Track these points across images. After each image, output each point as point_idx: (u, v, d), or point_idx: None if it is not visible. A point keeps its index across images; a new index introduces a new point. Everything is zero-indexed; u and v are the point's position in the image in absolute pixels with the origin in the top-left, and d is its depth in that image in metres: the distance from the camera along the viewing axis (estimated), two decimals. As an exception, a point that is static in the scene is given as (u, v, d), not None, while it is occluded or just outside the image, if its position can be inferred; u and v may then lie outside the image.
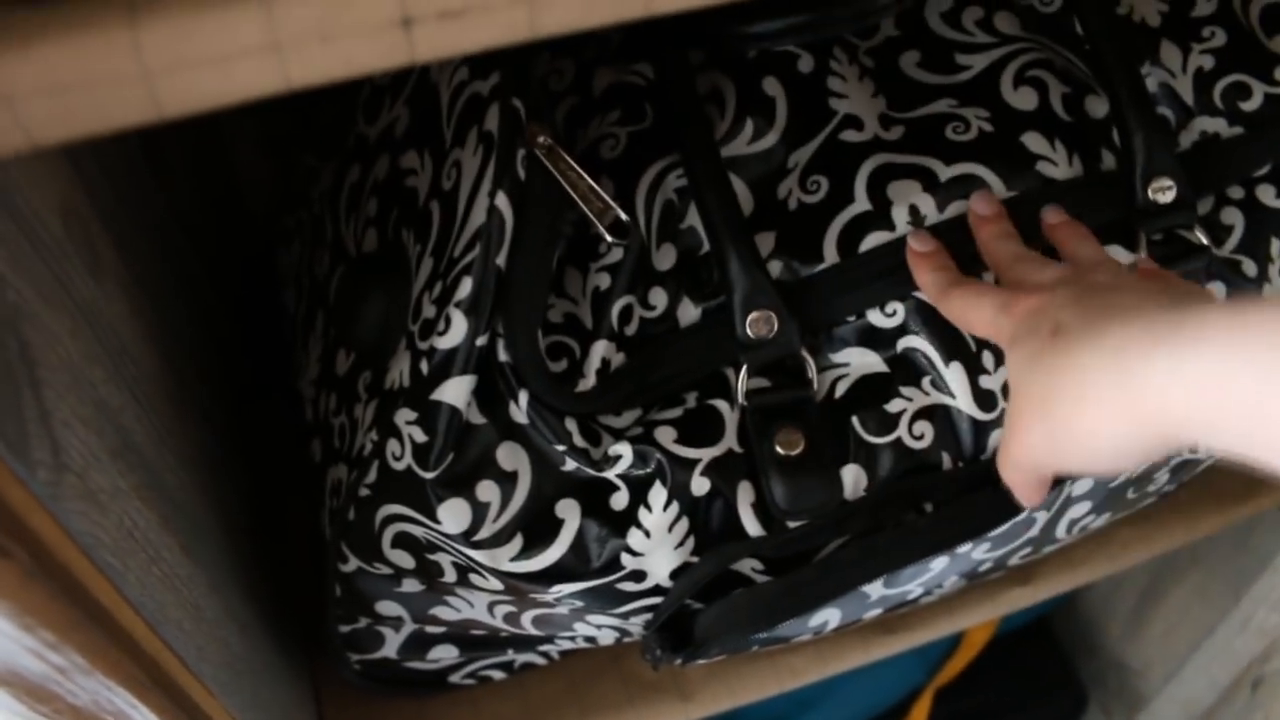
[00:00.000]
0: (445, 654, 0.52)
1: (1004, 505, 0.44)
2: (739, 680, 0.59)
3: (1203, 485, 0.65)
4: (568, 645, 0.53)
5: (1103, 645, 0.98)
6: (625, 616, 0.46)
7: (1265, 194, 0.49)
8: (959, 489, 0.46)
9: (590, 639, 0.51)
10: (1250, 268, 0.49)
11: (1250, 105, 0.48)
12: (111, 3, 0.24)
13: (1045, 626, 0.98)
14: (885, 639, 0.61)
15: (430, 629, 0.50)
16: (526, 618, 0.48)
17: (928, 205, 0.45)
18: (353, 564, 0.46)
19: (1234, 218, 0.49)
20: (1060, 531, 0.52)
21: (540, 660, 0.55)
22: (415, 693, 0.56)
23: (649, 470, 0.43)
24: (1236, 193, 0.49)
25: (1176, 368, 0.31)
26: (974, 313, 0.42)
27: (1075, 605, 1.00)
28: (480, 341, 0.40)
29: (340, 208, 0.51)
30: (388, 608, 0.48)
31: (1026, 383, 0.38)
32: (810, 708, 0.83)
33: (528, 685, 0.57)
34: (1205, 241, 0.47)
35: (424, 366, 0.41)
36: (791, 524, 0.44)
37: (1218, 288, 0.48)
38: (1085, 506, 0.51)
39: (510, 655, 0.54)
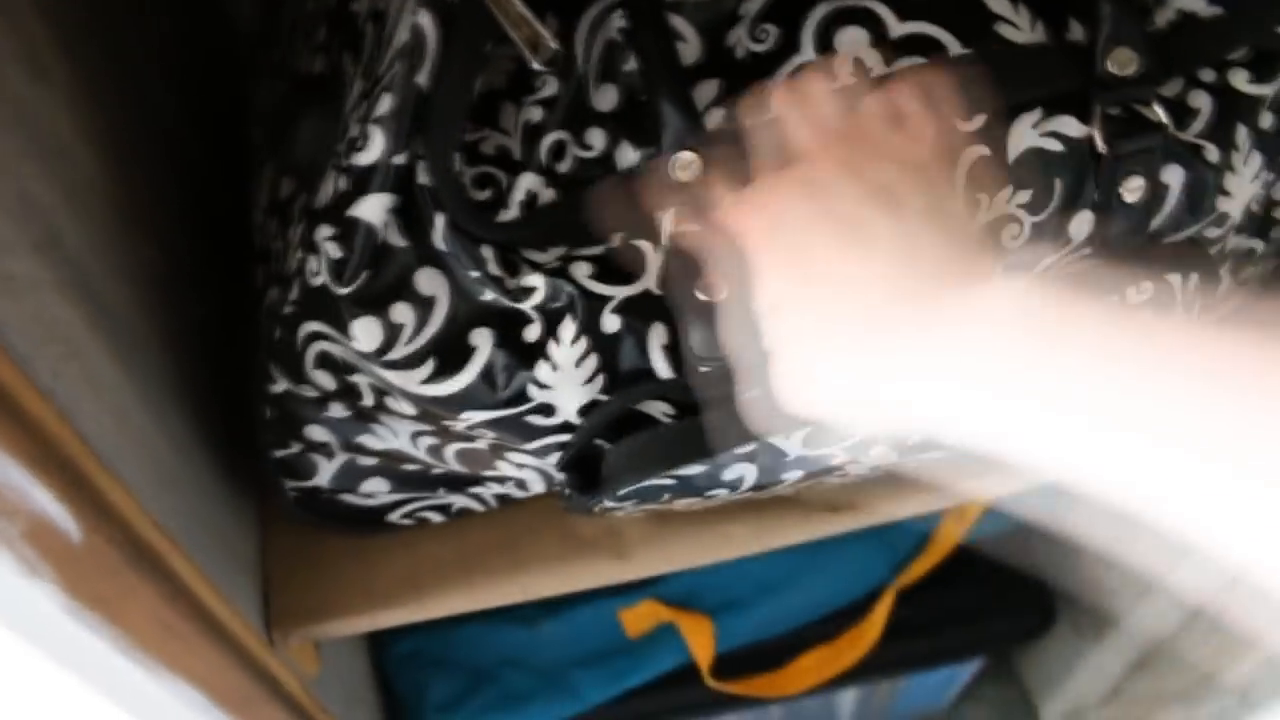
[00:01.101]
0: (378, 488, 0.53)
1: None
2: (677, 544, 0.59)
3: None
4: (498, 489, 0.53)
5: (1080, 562, 0.97)
6: (540, 454, 0.47)
7: (1238, 78, 0.47)
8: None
9: (520, 483, 0.52)
10: (1213, 153, 0.47)
11: (1230, -17, 0.46)
12: None
13: (1023, 539, 0.98)
14: (829, 517, 0.60)
15: (361, 460, 0.51)
16: (449, 451, 0.48)
17: (874, 59, 0.44)
18: (281, 385, 0.47)
19: (1202, 101, 0.47)
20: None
21: (475, 505, 0.56)
22: (355, 529, 0.57)
23: (561, 304, 0.43)
24: (1208, 75, 0.47)
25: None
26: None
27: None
28: (399, 160, 0.40)
29: (298, 36, 0.51)
30: (316, 432, 0.49)
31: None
32: (770, 592, 0.84)
33: (466, 531, 0.58)
34: (1163, 120, 0.45)
35: (343, 183, 0.41)
36: (703, 369, 0.44)
37: (1174, 171, 0.47)
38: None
39: (444, 497, 0.55)
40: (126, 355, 0.47)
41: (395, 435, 0.48)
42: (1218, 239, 0.51)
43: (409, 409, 0.45)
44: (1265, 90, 0.47)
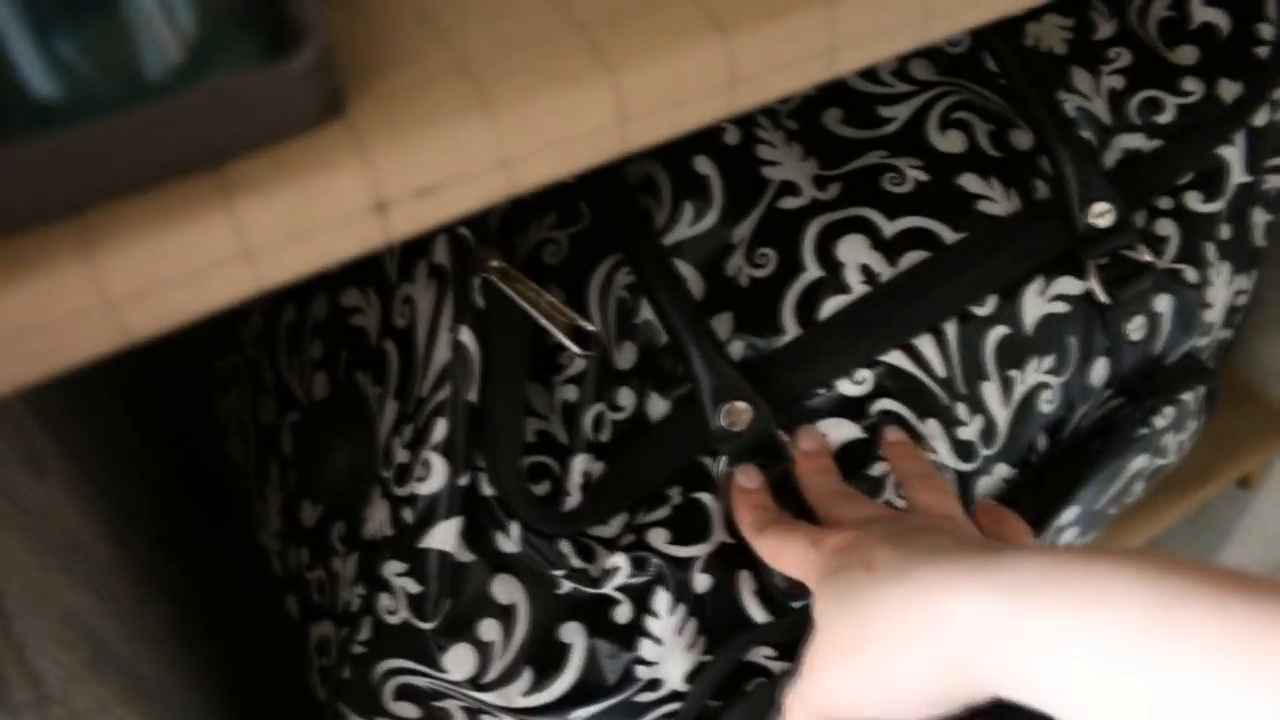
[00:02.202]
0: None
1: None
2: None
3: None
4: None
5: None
6: (645, 728, 0.45)
7: (1192, 200, 0.50)
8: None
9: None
10: (1191, 275, 0.50)
11: (1164, 118, 0.49)
12: (62, 236, 0.22)
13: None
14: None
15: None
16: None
17: (879, 263, 0.45)
18: (352, 721, 0.44)
19: (1168, 228, 0.50)
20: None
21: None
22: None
23: (649, 577, 0.41)
24: (1166, 203, 0.50)
25: (980, 616, 0.30)
26: (786, 550, 0.39)
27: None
28: (462, 481, 0.39)
29: (279, 350, 0.49)
30: (396, 760, 0.46)
31: (834, 620, 0.35)
32: None
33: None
34: (1150, 258, 0.47)
35: (407, 515, 0.39)
36: (796, 604, 0.43)
37: (1164, 300, 0.49)
38: (1074, 532, 0.51)
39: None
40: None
41: (487, 746, 0.46)
42: (1205, 345, 0.53)
43: (510, 721, 0.43)
44: (1217, 206, 0.50)
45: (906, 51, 0.29)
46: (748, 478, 0.43)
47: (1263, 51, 0.49)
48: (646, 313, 0.44)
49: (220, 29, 0.23)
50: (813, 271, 0.45)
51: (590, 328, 0.41)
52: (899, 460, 0.43)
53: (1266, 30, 0.50)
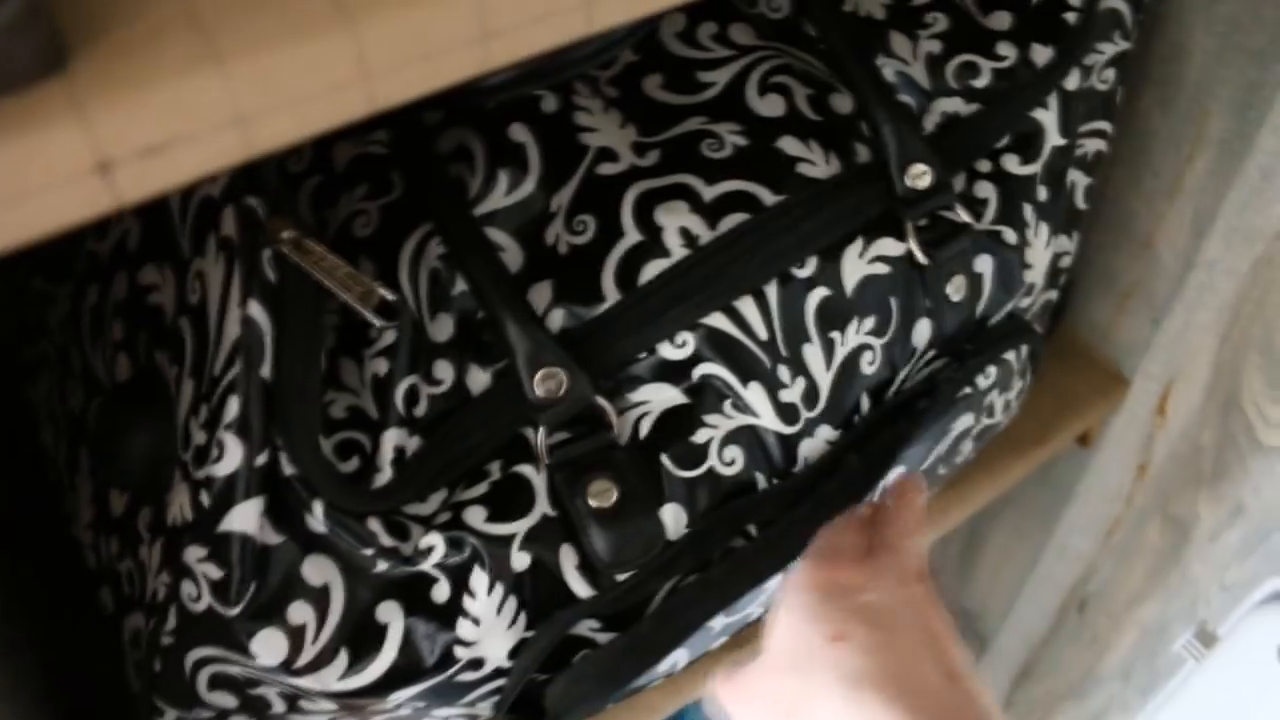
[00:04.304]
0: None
1: (824, 515, 0.44)
2: (601, 727, 0.58)
3: (1002, 436, 0.67)
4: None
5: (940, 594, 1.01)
6: (471, 704, 0.44)
7: (1010, 163, 0.51)
8: (778, 506, 0.46)
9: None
10: (1010, 236, 0.50)
11: (981, 82, 0.50)
12: None
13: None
14: (735, 653, 0.60)
15: (268, 760, 0.47)
16: (369, 727, 0.45)
17: (699, 225, 0.44)
18: (170, 715, 0.43)
19: (987, 190, 0.50)
20: (883, 518, 0.53)
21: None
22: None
23: (465, 556, 0.41)
24: (984, 166, 0.51)
25: None
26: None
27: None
28: (260, 461, 0.37)
29: (84, 333, 0.47)
30: (218, 751, 0.45)
31: (785, 659, 0.40)
32: None
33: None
34: (968, 219, 0.48)
35: (204, 498, 0.38)
36: (620, 577, 0.43)
37: (984, 260, 0.50)
38: (902, 491, 0.52)
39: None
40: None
41: (310, 732, 0.44)
42: (1029, 306, 0.54)
43: (328, 705, 0.41)
44: (1034, 169, 0.51)
45: (672, 7, 0.28)
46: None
47: (1071, 17, 0.50)
48: (462, 284, 0.43)
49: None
50: (632, 236, 0.44)
51: (390, 297, 0.40)
52: (904, 508, 0.45)
53: (1074, -5, 0.50)
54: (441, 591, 0.41)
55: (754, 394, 0.45)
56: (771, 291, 0.45)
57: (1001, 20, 0.51)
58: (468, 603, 0.41)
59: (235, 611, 0.38)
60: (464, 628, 0.41)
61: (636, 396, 0.44)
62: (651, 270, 0.44)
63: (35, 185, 0.22)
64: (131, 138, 0.23)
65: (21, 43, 0.22)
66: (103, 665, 0.49)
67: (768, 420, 0.45)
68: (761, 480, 0.46)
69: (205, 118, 0.23)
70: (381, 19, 0.24)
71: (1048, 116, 0.51)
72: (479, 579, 0.41)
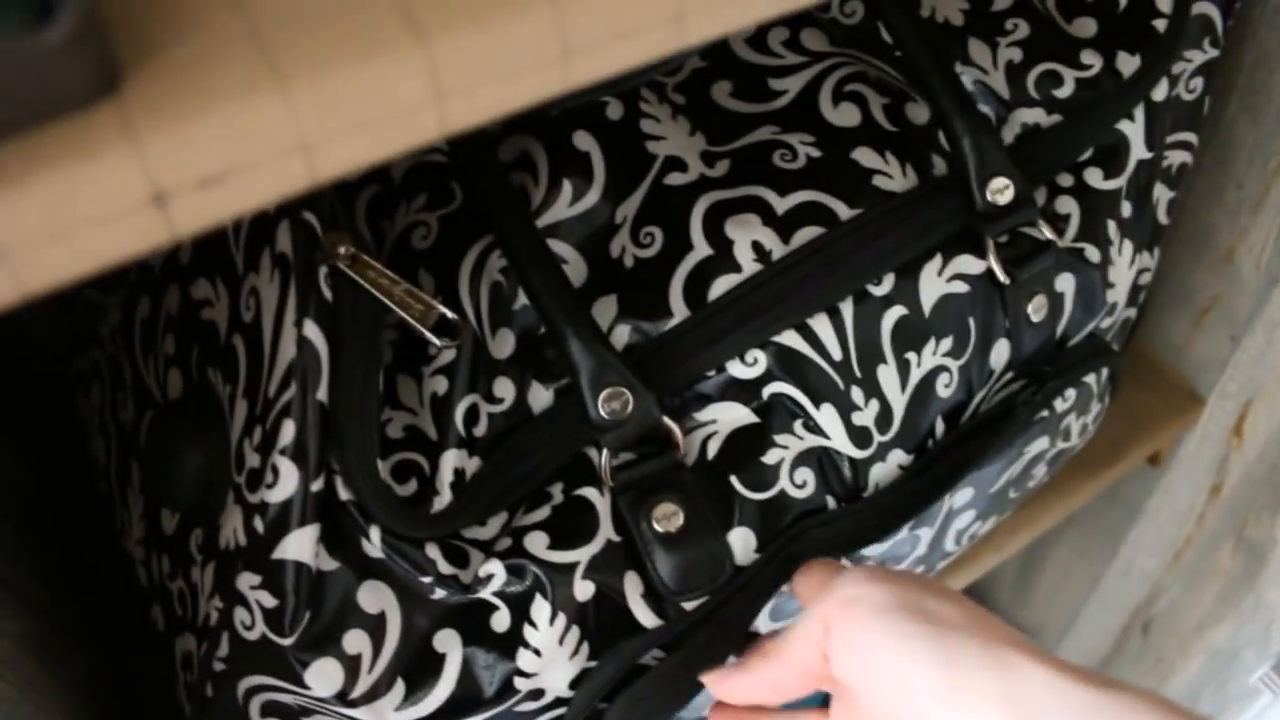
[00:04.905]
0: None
1: (885, 528, 0.43)
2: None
3: (1072, 457, 0.65)
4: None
5: (994, 610, 0.99)
6: (529, 736, 0.43)
7: (1093, 177, 0.48)
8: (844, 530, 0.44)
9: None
10: (1093, 253, 0.48)
11: (1063, 92, 0.47)
12: None
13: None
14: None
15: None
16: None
17: (771, 239, 0.43)
18: (219, 740, 0.42)
19: (1069, 206, 0.48)
20: (949, 544, 0.51)
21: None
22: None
23: (526, 585, 0.39)
24: (1066, 180, 0.48)
25: None
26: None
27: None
28: (315, 487, 0.36)
29: (135, 346, 0.46)
30: (267, 777, 0.44)
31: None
32: None
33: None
34: (1051, 236, 0.46)
35: (258, 524, 0.36)
36: (687, 605, 0.41)
37: (1066, 279, 0.47)
38: (970, 515, 0.50)
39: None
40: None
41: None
42: (1110, 326, 0.52)
43: (382, 737, 0.40)
44: (1119, 183, 0.49)
45: (765, 20, 0.26)
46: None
47: (1160, 24, 0.48)
48: (524, 299, 0.42)
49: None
50: (701, 250, 0.43)
51: (451, 315, 0.38)
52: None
53: (1164, 2, 0.48)
54: (501, 620, 0.39)
55: (826, 416, 0.43)
56: (846, 309, 0.43)
57: (1086, 27, 0.48)
58: (529, 633, 0.39)
59: (290, 641, 0.37)
60: (524, 659, 0.39)
61: (704, 416, 0.43)
62: (721, 285, 0.42)
63: (84, 218, 0.21)
64: (188, 167, 0.21)
65: (72, 64, 0.21)
66: (154, 682, 0.48)
67: (839, 443, 0.43)
68: (831, 503, 0.44)
69: (267, 144, 0.22)
70: (456, 36, 0.23)
71: (1133, 128, 0.49)
72: (540, 609, 0.39)
